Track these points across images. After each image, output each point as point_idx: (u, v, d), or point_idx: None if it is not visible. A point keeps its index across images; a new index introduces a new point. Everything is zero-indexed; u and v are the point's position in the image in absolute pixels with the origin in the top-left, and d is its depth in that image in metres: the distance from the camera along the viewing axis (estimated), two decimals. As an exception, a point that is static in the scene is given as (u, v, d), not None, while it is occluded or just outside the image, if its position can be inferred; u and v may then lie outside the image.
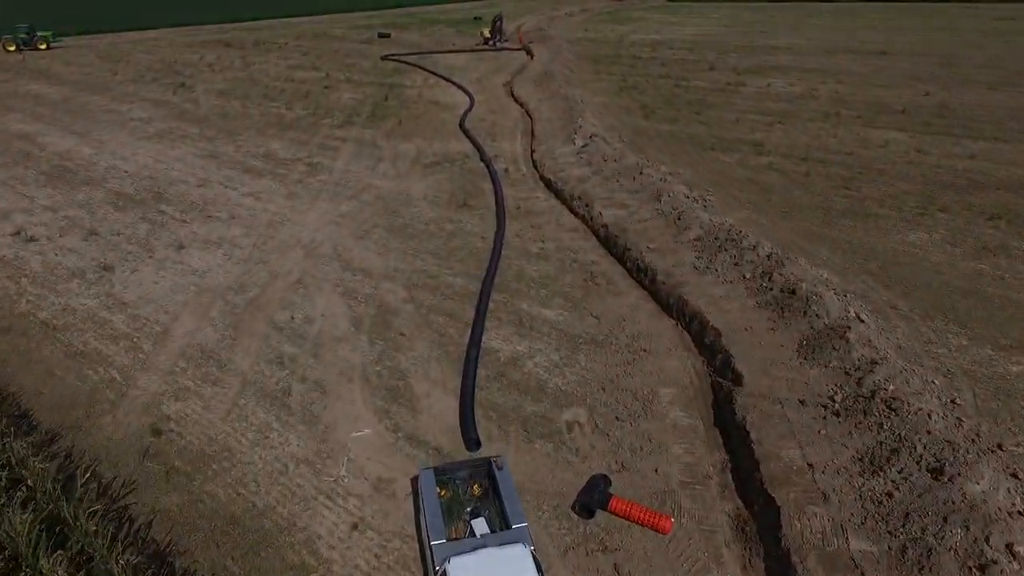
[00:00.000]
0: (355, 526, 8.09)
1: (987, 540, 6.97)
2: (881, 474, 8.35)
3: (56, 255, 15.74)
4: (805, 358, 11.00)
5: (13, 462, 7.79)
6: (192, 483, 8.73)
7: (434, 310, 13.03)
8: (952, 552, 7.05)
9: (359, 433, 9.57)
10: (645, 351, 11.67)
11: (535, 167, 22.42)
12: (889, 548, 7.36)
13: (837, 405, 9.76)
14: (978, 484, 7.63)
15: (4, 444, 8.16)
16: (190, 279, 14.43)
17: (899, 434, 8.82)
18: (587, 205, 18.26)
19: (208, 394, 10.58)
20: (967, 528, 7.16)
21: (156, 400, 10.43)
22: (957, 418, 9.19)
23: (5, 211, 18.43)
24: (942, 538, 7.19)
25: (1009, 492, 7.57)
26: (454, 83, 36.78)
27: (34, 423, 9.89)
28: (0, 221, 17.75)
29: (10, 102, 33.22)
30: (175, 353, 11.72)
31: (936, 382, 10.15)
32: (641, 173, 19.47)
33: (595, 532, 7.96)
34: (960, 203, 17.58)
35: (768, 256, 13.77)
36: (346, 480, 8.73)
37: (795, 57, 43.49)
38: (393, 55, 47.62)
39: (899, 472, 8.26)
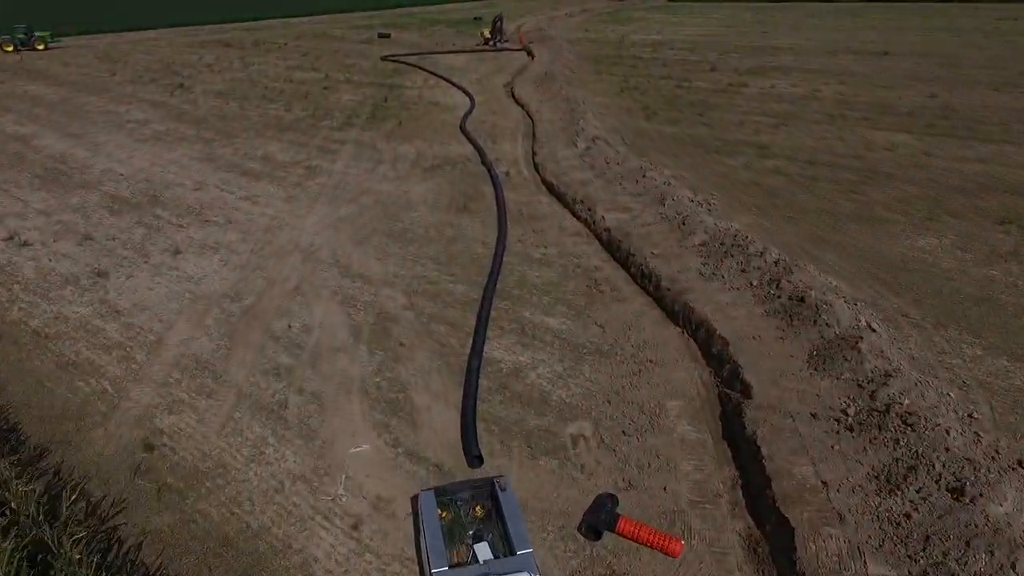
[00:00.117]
0: (353, 548, 7.79)
1: (1013, 567, 6.67)
2: (898, 493, 8.05)
3: (50, 261, 15.45)
4: (816, 369, 10.71)
5: (-2, 483, 7.50)
6: (185, 501, 8.44)
7: (435, 318, 12.74)
8: (976, 579, 6.76)
9: (357, 449, 9.27)
10: (651, 362, 11.38)
11: (537, 170, 22.13)
12: (909, 573, 7.07)
13: (850, 419, 9.46)
14: (1001, 506, 7.34)
15: (-11, 463, 7.87)
16: (185, 286, 14.14)
17: (916, 451, 8.53)
18: (590, 209, 17.97)
19: (202, 407, 10.29)
20: (992, 553, 6.86)
21: (149, 413, 10.14)
22: (975, 433, 8.90)
23: (-2, 215, 18.14)
24: (965, 563, 6.90)
25: (1034, 514, 7.28)
26: (454, 84, 36.50)
27: (22, 437, 9.59)
28: (-7, 226, 17.45)
29: (6, 103, 32.93)
30: (169, 363, 11.43)
31: (952, 395, 9.86)
32: (644, 176, 19.18)
33: (603, 555, 7.67)
34: (969, 207, 17.29)
35: (776, 262, 13.48)
36: (344, 499, 8.43)
37: (797, 57, 43.20)
38: (393, 55, 47.32)
39: (917, 492, 7.96)
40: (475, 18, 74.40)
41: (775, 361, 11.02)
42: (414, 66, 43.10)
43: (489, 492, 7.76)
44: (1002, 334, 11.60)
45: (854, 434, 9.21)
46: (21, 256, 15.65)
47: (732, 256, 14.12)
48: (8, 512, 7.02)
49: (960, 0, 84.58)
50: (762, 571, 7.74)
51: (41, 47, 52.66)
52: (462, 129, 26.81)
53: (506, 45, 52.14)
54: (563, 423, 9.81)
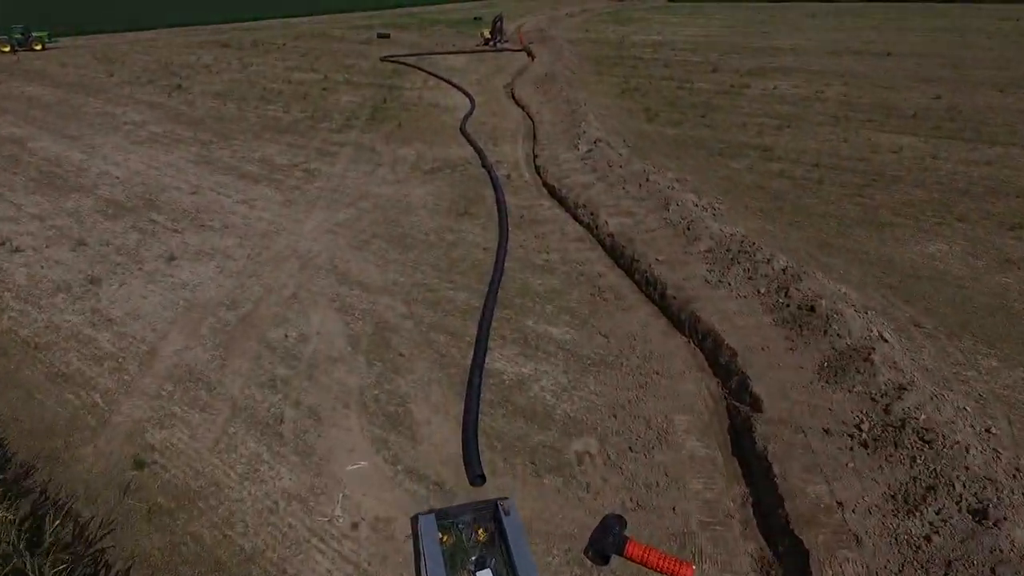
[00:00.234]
0: (350, 573, 7.49)
1: (1042, 598, 6.38)
2: (917, 515, 7.76)
3: (42, 267, 15.13)
4: (827, 381, 10.41)
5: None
6: (176, 523, 8.13)
7: (435, 328, 12.43)
8: (1003, 609, 6.46)
9: (355, 466, 8.96)
10: (657, 373, 11.08)
11: (538, 173, 21.83)
12: (931, 602, 6.78)
13: (864, 435, 9.17)
14: (1027, 531, 7.04)
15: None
16: (180, 294, 13.83)
17: (934, 469, 8.23)
18: (592, 213, 17.66)
19: (195, 421, 9.98)
20: (1018, 582, 6.57)
21: (140, 428, 9.82)
22: (994, 450, 8.60)
23: (-10, 220, 17.82)
24: (991, 592, 6.60)
25: (1061, 540, 6.97)
26: (454, 85, 36.19)
27: (9, 454, 9.27)
28: (-15, 231, 17.13)
29: (2, 104, 32.60)
30: (162, 375, 11.12)
31: (968, 409, 9.55)
32: (648, 180, 18.88)
33: (610, 580, 7.37)
34: (978, 211, 16.99)
35: (784, 270, 13.18)
36: (340, 520, 8.12)
37: (799, 58, 42.91)
38: (392, 56, 47.01)
39: (937, 513, 7.66)
40: (475, 18, 74.10)
41: (785, 373, 10.73)
42: (414, 67, 42.78)
43: (492, 515, 7.44)
44: (1018, 345, 11.31)
45: (869, 451, 8.92)
46: (12, 263, 15.33)
47: (739, 263, 13.82)
48: (-11, 539, 6.71)
49: (961, 0, 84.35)
50: (776, 597, 7.44)
51: (39, 47, 52.28)
52: (462, 131, 26.51)
53: (506, 45, 51.84)
54: (568, 439, 9.50)
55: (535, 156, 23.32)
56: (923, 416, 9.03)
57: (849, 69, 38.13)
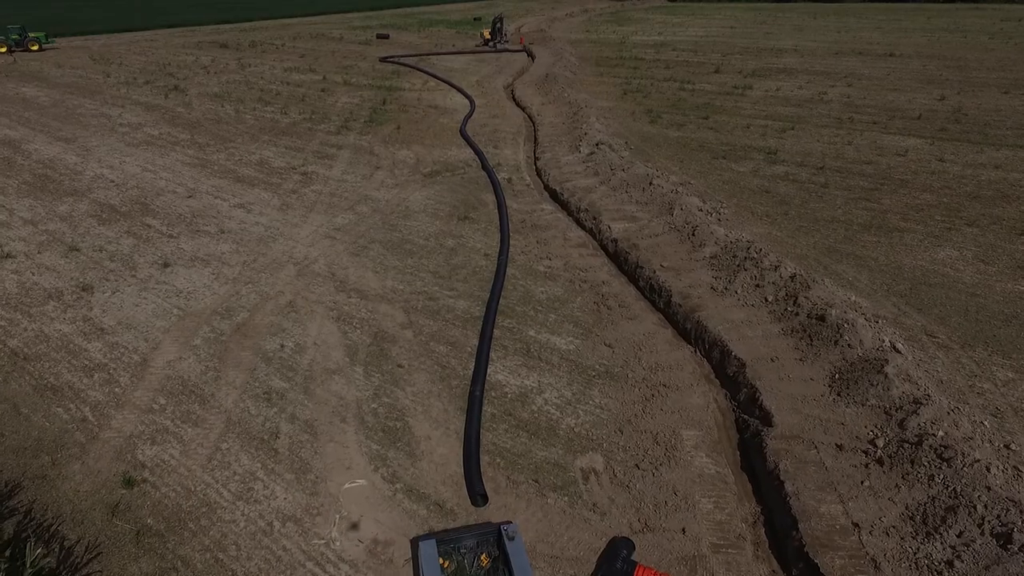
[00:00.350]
0: (347, 599, 7.18)
1: (1075, 631, 6.07)
2: (937, 537, 7.44)
3: (33, 274, 14.80)
4: (839, 394, 10.10)
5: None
6: (165, 546, 7.81)
7: (435, 337, 12.11)
8: (1032, 642, 6.15)
9: (352, 485, 8.64)
10: (664, 385, 10.76)
11: (539, 176, 21.52)
12: (956, 633, 6.47)
13: (879, 451, 8.85)
14: (1055, 557, 6.73)
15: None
16: (174, 301, 13.51)
17: (954, 489, 7.91)
18: (595, 218, 17.35)
19: (188, 436, 9.66)
20: (1049, 613, 6.26)
21: (130, 444, 9.50)
22: (1015, 468, 8.30)
23: (-18, 225, 17.50)
24: (1019, 624, 6.29)
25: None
26: (454, 86, 35.88)
27: (-6, 472, 8.95)
28: (-24, 236, 16.81)
29: (-3, 106, 32.27)
30: (154, 387, 10.80)
31: (986, 424, 9.24)
32: (651, 184, 18.57)
33: (618, 608, 7.04)
34: (988, 216, 16.69)
35: (792, 277, 12.86)
36: (337, 543, 7.80)
37: (801, 59, 42.62)
38: (391, 57, 46.69)
39: (958, 536, 7.35)
40: (475, 19, 73.80)
41: (795, 385, 10.42)
42: (413, 68, 42.46)
43: (495, 539, 7.13)
44: (1034, 355, 11.00)
45: (885, 468, 8.60)
46: (3, 269, 15.00)
47: (745, 269, 13.51)
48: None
49: (964, 1, 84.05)
50: (792, 625, 7.13)
51: (35, 48, 51.96)
52: (462, 133, 26.19)
53: (506, 46, 51.53)
54: (572, 455, 9.19)
55: (536, 159, 23.01)
56: (940, 432, 8.71)
57: (852, 70, 37.84)
